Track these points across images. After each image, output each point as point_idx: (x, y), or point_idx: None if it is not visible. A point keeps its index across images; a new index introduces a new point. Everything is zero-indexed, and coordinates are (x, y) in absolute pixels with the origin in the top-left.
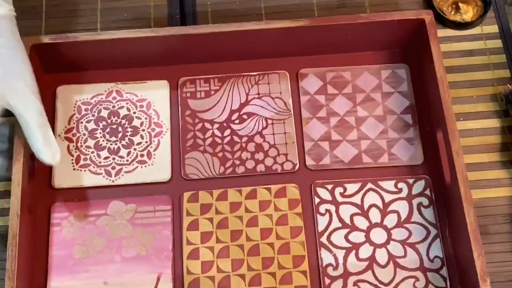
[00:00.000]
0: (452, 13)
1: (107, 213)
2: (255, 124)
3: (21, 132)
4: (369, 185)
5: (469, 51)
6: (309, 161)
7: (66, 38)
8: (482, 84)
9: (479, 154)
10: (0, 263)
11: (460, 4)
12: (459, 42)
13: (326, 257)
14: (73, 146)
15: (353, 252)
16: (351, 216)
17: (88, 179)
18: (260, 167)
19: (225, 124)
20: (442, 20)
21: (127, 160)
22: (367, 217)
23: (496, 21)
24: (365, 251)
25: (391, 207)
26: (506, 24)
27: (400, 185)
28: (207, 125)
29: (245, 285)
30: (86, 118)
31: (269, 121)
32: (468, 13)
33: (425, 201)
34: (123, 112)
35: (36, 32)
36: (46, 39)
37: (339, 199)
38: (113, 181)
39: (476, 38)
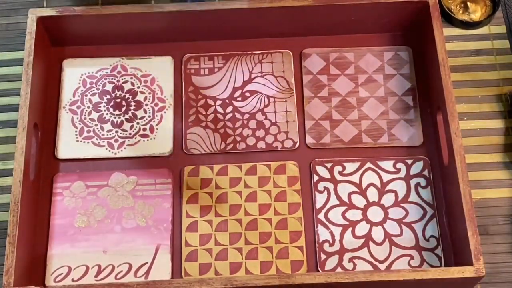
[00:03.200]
0: (460, 12)
1: (108, 185)
2: (257, 102)
3: (25, 102)
4: (368, 165)
5: (476, 50)
6: (309, 140)
7: (73, 11)
8: (488, 84)
9: (481, 154)
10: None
11: (468, 4)
12: (466, 41)
13: (322, 233)
14: (77, 118)
15: (350, 229)
16: (349, 194)
17: (91, 151)
18: (261, 144)
19: (227, 101)
20: (450, 19)
21: (130, 134)
22: (364, 196)
23: (505, 21)
24: (362, 228)
25: (389, 187)
26: None
27: (399, 165)
28: (210, 102)
29: (242, 258)
30: (91, 91)
31: (271, 99)
32: (476, 12)
33: (423, 182)
34: (127, 86)
35: (39, 5)
36: (53, 12)
37: (338, 177)
38: (115, 153)
39: (484, 38)
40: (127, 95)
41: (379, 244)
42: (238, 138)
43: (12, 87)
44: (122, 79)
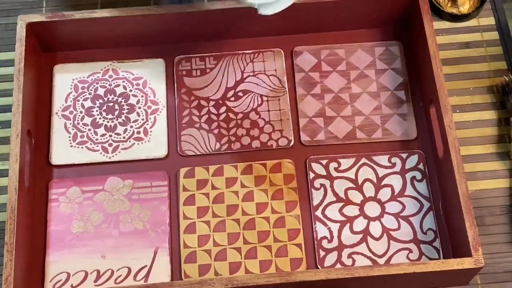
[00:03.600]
0: (449, 5)
1: (104, 189)
2: (250, 101)
3: (17, 109)
4: (363, 160)
5: (465, 43)
6: (304, 137)
7: (62, 17)
8: (479, 76)
9: (475, 146)
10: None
11: None
12: (455, 34)
13: (321, 230)
14: (70, 123)
15: (348, 225)
16: (346, 190)
17: (85, 156)
18: (256, 143)
19: (220, 101)
20: (438, 12)
21: (124, 137)
22: (361, 191)
23: (493, 13)
24: (359, 224)
25: (385, 181)
26: (503, 16)
27: (394, 159)
28: (203, 103)
29: (241, 258)
30: (83, 96)
31: (264, 98)
32: (464, 5)
33: (418, 175)
34: (119, 90)
35: (37, 10)
36: (42, 18)
37: (334, 174)
38: (110, 157)
39: (473, 30)
40: (120, 99)
41: (377, 239)
42: (233, 138)
43: (11, 87)
44: (114, 83)
